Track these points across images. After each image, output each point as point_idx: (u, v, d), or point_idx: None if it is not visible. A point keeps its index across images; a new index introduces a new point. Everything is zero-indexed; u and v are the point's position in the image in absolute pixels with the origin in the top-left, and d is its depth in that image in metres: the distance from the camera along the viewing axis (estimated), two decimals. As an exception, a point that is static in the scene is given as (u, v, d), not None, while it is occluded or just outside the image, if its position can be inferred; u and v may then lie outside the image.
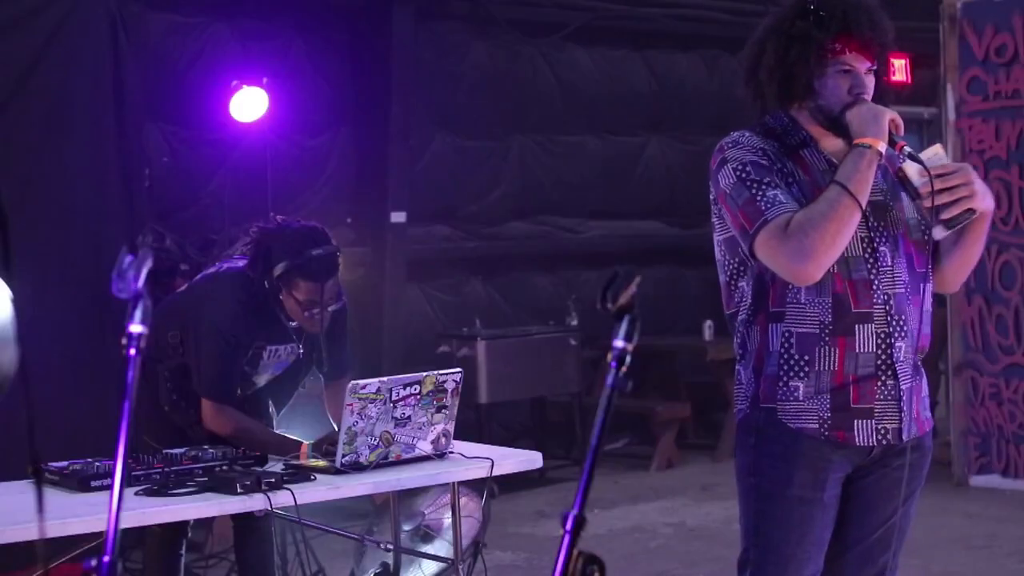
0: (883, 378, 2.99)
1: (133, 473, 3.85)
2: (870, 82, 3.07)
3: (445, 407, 4.17)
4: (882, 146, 2.95)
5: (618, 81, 9.40)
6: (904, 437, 3.03)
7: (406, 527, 5.01)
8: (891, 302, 3.00)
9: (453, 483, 4.35)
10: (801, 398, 2.99)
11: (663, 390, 8.98)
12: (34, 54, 6.11)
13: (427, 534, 5.07)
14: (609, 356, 1.99)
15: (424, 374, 4.14)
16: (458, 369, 4.27)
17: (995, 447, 7.45)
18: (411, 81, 8.05)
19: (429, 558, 4.97)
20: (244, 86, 6.57)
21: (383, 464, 4.07)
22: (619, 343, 1.96)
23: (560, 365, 8.17)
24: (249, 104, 6.60)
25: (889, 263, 3.01)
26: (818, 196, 2.95)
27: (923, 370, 3.11)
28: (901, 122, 2.99)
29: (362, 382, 4.00)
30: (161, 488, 3.83)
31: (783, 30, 3.06)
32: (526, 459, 4.42)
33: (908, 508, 3.12)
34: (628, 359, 1.97)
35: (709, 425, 9.26)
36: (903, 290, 3.02)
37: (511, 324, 8.56)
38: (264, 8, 7.48)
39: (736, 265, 3.07)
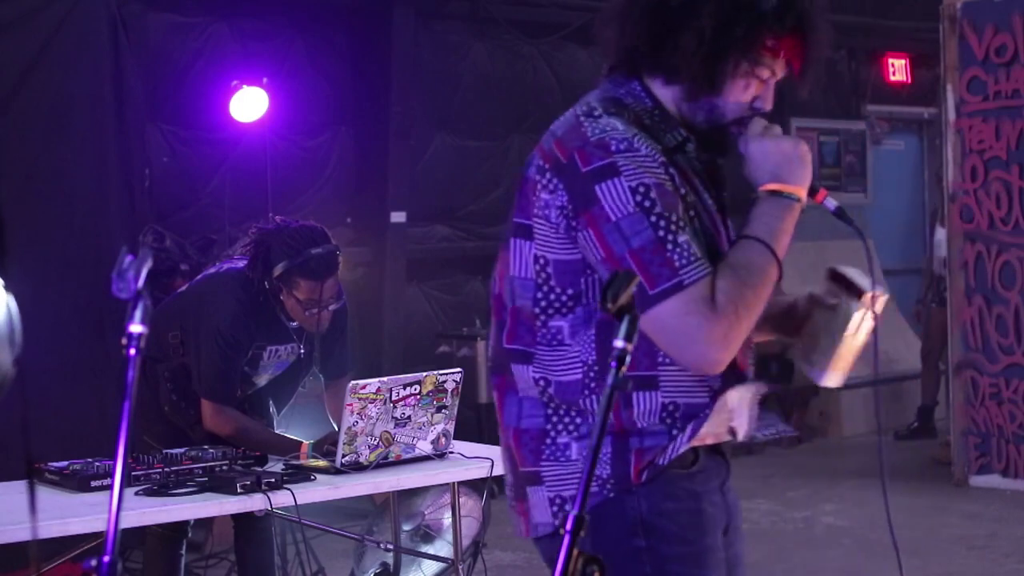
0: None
1: (133, 473, 3.85)
2: None
3: (445, 407, 4.17)
4: (805, 195, 2.33)
5: (618, 81, 9.39)
6: None
7: (406, 527, 5.01)
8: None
9: (453, 483, 4.35)
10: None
11: (663, 390, 8.98)
12: (34, 54, 6.12)
13: (427, 534, 5.07)
14: (609, 356, 1.99)
15: (424, 374, 4.14)
16: (458, 369, 4.28)
17: (995, 447, 7.45)
18: (411, 81, 8.04)
19: (429, 558, 4.97)
20: (244, 86, 6.57)
21: (383, 464, 4.07)
22: (619, 343, 1.96)
23: (560, 365, 8.16)
24: (249, 104, 6.60)
25: None
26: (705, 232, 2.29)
27: None
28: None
29: (362, 382, 4.00)
30: (161, 488, 3.83)
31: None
32: (526, 459, 4.42)
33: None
34: (628, 359, 1.97)
35: (709, 425, 9.26)
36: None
37: (511, 324, 8.55)
38: (264, 8, 7.48)
39: (563, 299, 2.30)
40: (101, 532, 2.67)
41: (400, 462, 4.12)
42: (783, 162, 2.31)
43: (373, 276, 8.01)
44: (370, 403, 3.99)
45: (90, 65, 6.29)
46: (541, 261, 2.30)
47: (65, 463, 3.94)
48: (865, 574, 5.98)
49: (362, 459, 4.03)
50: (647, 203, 2.21)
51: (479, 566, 4.85)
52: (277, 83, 6.80)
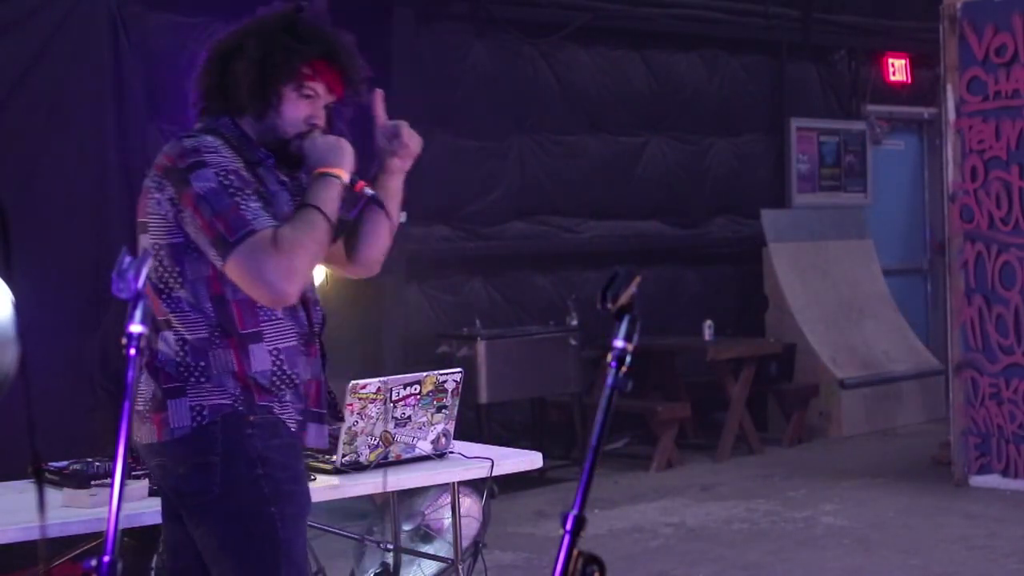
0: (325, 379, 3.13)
1: (133, 473, 3.85)
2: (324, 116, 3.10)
3: (445, 407, 4.17)
4: (346, 177, 2.99)
5: (618, 81, 9.40)
6: None
7: (406, 527, 5.01)
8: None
9: (453, 483, 4.35)
10: (288, 400, 3.00)
11: (663, 390, 8.98)
12: (34, 54, 6.12)
13: (427, 534, 5.07)
14: (609, 356, 1.99)
15: (424, 374, 4.14)
16: (458, 369, 4.27)
17: (995, 447, 7.45)
18: (411, 81, 8.04)
19: (429, 558, 4.97)
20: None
21: (383, 464, 4.07)
22: (619, 343, 1.96)
23: (560, 365, 8.17)
24: (249, 104, 6.59)
25: None
26: (277, 215, 2.93)
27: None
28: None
29: (362, 382, 4.00)
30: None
31: (265, 36, 3.09)
32: (526, 459, 4.42)
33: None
34: (628, 359, 1.97)
35: (709, 425, 9.27)
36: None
37: (511, 324, 8.55)
38: (264, 8, 7.47)
39: (175, 274, 2.92)
40: (101, 532, 2.67)
41: (400, 462, 4.12)
42: (327, 152, 3.00)
43: (373, 276, 8.00)
44: (370, 403, 3.99)
45: (90, 65, 6.29)
46: (156, 247, 2.91)
47: (65, 463, 3.94)
48: (865, 574, 5.98)
49: (362, 459, 4.03)
50: (226, 182, 2.87)
51: (479, 566, 4.85)
52: (277, 83, 6.79)
